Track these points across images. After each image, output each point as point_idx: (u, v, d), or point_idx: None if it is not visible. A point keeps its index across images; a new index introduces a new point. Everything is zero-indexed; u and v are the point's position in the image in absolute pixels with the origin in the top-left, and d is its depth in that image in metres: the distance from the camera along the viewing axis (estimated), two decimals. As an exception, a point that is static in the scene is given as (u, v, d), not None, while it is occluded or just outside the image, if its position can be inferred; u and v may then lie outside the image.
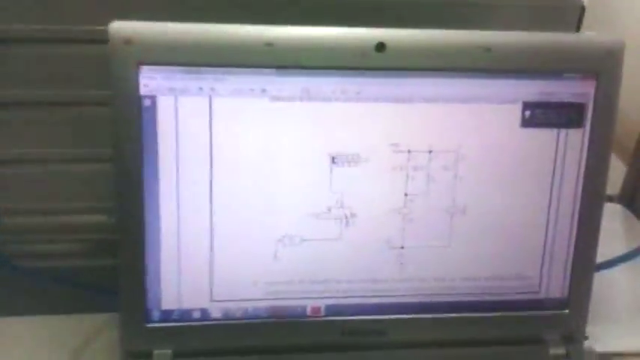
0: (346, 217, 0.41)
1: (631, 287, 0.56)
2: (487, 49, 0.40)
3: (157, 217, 0.39)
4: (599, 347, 0.47)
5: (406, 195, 0.42)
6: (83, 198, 0.47)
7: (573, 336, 0.45)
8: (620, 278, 0.56)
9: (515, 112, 0.41)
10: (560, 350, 0.45)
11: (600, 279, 0.50)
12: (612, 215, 0.67)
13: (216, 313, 0.42)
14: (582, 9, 0.47)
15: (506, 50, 0.40)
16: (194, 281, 0.41)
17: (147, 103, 0.38)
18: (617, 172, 0.70)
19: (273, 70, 0.38)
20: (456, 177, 0.42)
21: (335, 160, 0.40)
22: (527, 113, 0.41)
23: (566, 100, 0.42)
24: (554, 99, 0.41)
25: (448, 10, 0.45)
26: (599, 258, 0.50)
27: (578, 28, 0.48)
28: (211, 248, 0.41)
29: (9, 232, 0.48)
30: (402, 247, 0.43)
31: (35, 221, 0.47)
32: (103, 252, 0.46)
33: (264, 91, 0.39)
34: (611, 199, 0.68)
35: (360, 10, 0.43)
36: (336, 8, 0.43)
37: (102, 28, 0.36)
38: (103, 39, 0.36)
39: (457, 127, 0.41)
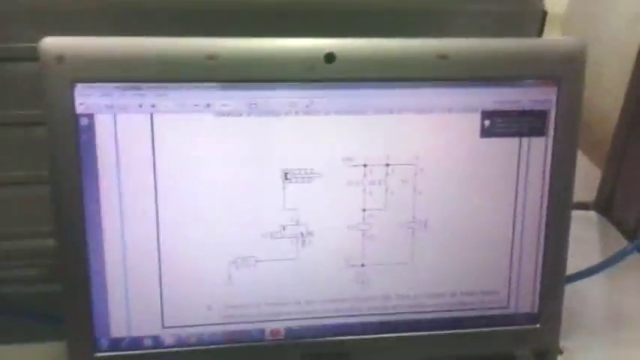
0: (302, 236, 0.40)
1: (608, 297, 0.55)
2: (443, 57, 0.39)
3: (100, 241, 0.38)
4: (574, 361, 0.45)
5: (364, 210, 0.40)
6: (30, 222, 0.45)
7: (546, 351, 0.44)
8: (597, 288, 0.54)
9: (474, 121, 0.40)
10: (533, 366, 0.43)
11: (576, 290, 0.49)
12: (588, 223, 0.65)
13: (169, 340, 0.40)
14: (544, 14, 0.46)
15: (463, 57, 0.39)
16: (144, 307, 0.39)
17: (84, 122, 0.36)
18: (593, 178, 0.68)
19: (217, 84, 0.37)
20: (416, 190, 0.40)
21: (288, 177, 0.39)
22: (487, 122, 0.40)
23: (527, 108, 0.40)
24: (514, 107, 0.40)
25: (402, 17, 0.43)
26: (575, 268, 0.49)
27: (540, 34, 0.46)
28: (160, 272, 0.39)
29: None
30: (363, 265, 0.41)
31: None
32: (52, 278, 0.44)
33: (208, 106, 0.37)
34: (586, 206, 0.67)
35: (307, 19, 0.42)
36: (283, 18, 0.41)
37: (33, 45, 0.35)
38: (34, 56, 0.35)
39: (414, 139, 0.39)
